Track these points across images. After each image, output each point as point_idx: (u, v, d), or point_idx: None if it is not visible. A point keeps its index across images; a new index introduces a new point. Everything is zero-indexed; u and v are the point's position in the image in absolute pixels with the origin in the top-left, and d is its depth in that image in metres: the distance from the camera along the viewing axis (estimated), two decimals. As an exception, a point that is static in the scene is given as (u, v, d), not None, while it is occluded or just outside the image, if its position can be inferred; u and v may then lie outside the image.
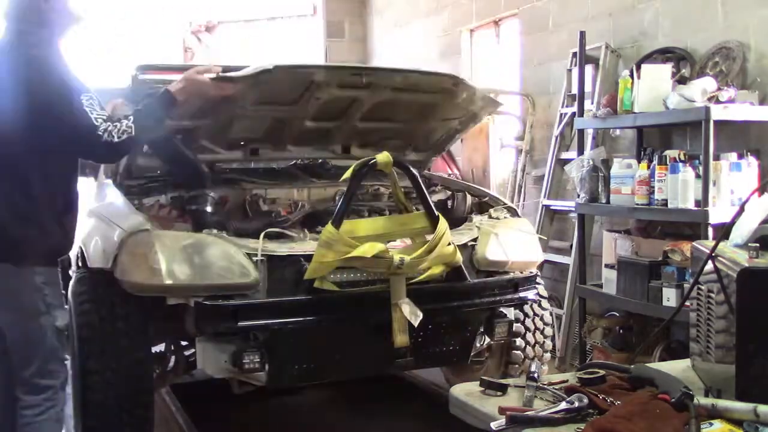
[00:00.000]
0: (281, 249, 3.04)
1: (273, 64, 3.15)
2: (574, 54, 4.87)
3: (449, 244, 3.10)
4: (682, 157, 3.80)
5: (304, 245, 3.08)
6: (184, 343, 3.33)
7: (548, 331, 3.87)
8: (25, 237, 2.64)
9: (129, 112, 2.75)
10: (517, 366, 3.80)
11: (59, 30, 2.75)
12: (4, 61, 2.64)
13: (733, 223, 1.82)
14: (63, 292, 2.75)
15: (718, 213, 3.59)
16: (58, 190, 2.72)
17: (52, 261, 2.73)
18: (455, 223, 3.53)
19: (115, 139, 2.59)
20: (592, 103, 4.67)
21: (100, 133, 2.57)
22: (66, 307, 2.76)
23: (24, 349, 2.67)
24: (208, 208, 3.33)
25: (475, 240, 3.42)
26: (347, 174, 2.99)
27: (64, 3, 2.75)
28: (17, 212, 2.62)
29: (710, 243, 1.84)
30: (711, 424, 1.43)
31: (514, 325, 3.64)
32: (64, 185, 2.76)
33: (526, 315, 3.78)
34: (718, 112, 3.60)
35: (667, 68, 4.04)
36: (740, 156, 3.72)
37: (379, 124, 3.83)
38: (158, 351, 3.34)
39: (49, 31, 2.70)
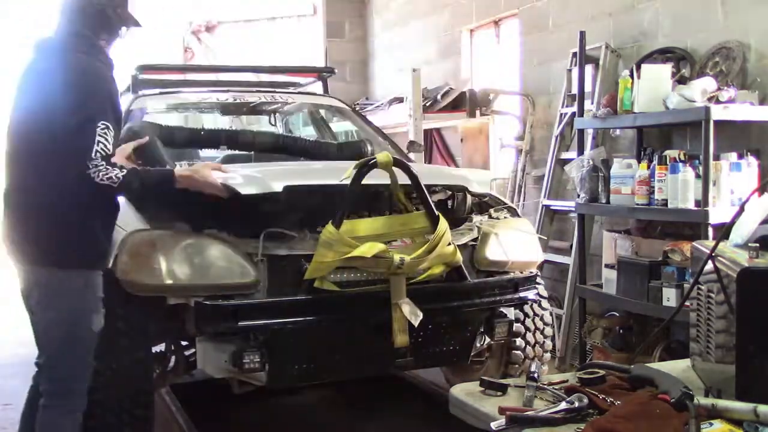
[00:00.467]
0: (281, 249, 3.04)
1: (283, 185, 2.99)
2: (574, 54, 4.87)
3: (449, 244, 3.10)
4: (682, 157, 3.80)
5: (303, 245, 3.08)
6: (184, 343, 3.33)
7: (548, 331, 3.87)
8: (71, 241, 2.65)
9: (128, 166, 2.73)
10: (517, 366, 3.80)
11: (113, 39, 2.80)
12: (55, 62, 2.65)
13: (733, 223, 1.82)
14: (101, 295, 2.76)
15: (718, 213, 3.59)
16: (101, 193, 2.71)
17: (94, 264, 2.74)
18: (455, 223, 3.53)
19: (96, 179, 2.55)
20: (592, 103, 4.67)
21: (89, 164, 2.53)
22: (102, 311, 2.76)
23: (56, 350, 2.69)
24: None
25: (475, 240, 3.42)
26: (347, 174, 2.99)
27: (127, 11, 2.80)
28: (63, 218, 2.63)
29: (710, 243, 1.84)
30: (711, 424, 1.43)
31: (514, 325, 3.64)
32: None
33: (526, 315, 3.78)
34: (718, 112, 3.60)
35: (667, 68, 4.04)
36: (740, 156, 3.72)
37: None
38: (158, 351, 3.34)
39: (105, 39, 2.75)
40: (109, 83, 2.72)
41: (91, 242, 2.71)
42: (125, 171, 2.62)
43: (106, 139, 2.57)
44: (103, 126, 2.57)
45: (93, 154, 2.54)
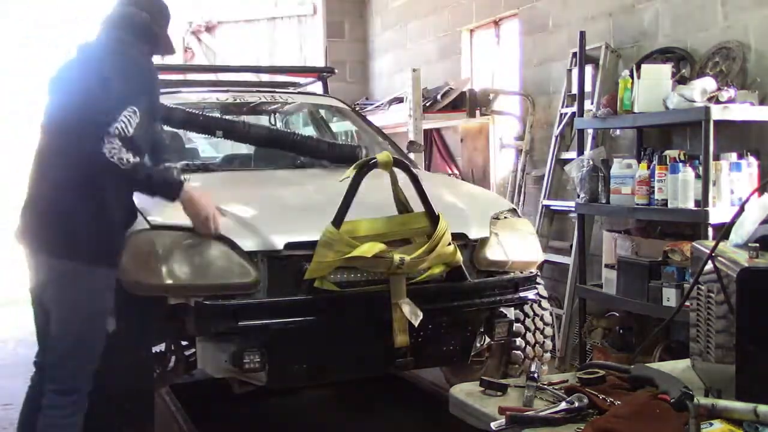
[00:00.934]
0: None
1: (284, 242, 2.97)
2: (574, 54, 4.87)
3: (449, 244, 3.10)
4: (682, 157, 3.80)
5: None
6: (184, 343, 3.33)
7: (548, 331, 3.87)
8: (97, 239, 2.70)
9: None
10: (517, 366, 3.79)
11: (154, 50, 2.97)
12: (95, 62, 2.74)
13: (733, 223, 1.82)
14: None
15: (718, 213, 3.59)
16: (126, 192, 2.80)
17: (113, 264, 2.78)
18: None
19: (107, 155, 2.55)
20: (592, 103, 4.67)
21: (104, 139, 2.54)
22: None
23: (68, 349, 2.70)
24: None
25: (475, 241, 3.41)
26: (348, 173, 2.99)
27: (167, 33, 3.01)
28: (93, 216, 2.68)
29: (710, 243, 1.84)
30: (711, 424, 1.43)
31: (514, 325, 3.63)
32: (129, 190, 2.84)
33: (526, 315, 3.78)
34: (718, 112, 3.60)
35: (667, 68, 4.04)
36: (740, 156, 3.72)
37: None
38: (158, 351, 3.35)
39: (148, 47, 2.91)
40: (147, 76, 2.81)
41: (111, 241, 2.75)
42: (137, 159, 2.63)
43: (129, 122, 2.57)
44: (130, 110, 2.59)
45: (111, 130, 2.54)
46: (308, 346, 3.11)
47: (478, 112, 6.04)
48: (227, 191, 3.58)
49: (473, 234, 3.36)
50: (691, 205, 3.68)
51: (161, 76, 4.76)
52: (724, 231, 1.83)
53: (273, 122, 5.56)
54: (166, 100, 4.62)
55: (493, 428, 1.55)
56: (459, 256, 3.15)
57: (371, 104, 7.29)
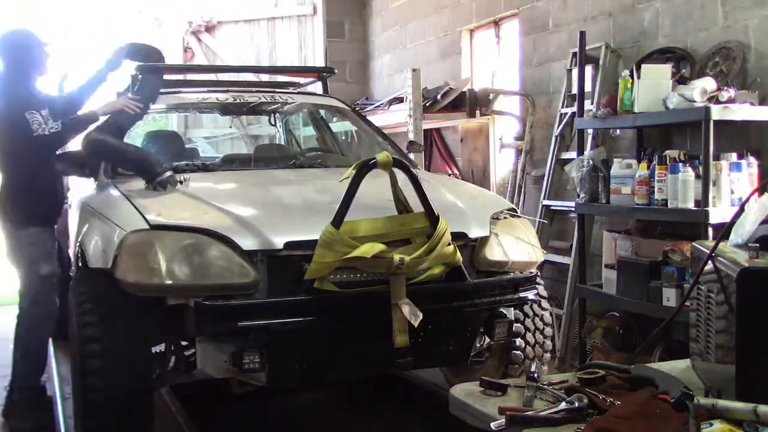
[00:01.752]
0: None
1: (284, 241, 2.98)
2: (574, 54, 4.87)
3: (449, 244, 3.10)
4: (682, 157, 3.80)
5: None
6: (184, 343, 3.33)
7: (548, 331, 3.87)
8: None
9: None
10: (517, 366, 3.79)
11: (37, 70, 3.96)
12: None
13: (733, 223, 1.82)
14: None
15: (718, 213, 3.59)
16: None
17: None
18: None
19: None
20: (592, 103, 4.67)
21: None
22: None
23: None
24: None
25: (475, 240, 3.41)
26: (347, 173, 2.99)
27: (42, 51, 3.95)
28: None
29: (710, 243, 1.84)
30: (711, 424, 1.43)
31: (514, 325, 3.63)
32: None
33: (526, 315, 3.78)
34: (718, 112, 3.60)
35: (667, 68, 4.04)
36: (740, 156, 3.72)
37: None
38: (158, 351, 3.34)
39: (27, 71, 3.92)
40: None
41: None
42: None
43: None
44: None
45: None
46: (308, 347, 3.11)
47: (478, 112, 6.04)
48: (227, 191, 3.59)
49: (473, 234, 3.35)
50: (691, 205, 3.68)
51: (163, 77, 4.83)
52: (724, 231, 1.83)
53: (273, 122, 5.57)
54: (167, 100, 4.66)
55: (493, 428, 1.55)
56: (459, 257, 3.14)
57: (371, 104, 7.29)
